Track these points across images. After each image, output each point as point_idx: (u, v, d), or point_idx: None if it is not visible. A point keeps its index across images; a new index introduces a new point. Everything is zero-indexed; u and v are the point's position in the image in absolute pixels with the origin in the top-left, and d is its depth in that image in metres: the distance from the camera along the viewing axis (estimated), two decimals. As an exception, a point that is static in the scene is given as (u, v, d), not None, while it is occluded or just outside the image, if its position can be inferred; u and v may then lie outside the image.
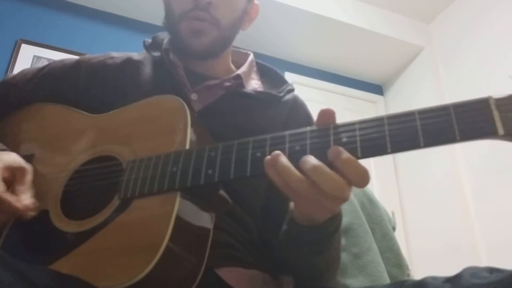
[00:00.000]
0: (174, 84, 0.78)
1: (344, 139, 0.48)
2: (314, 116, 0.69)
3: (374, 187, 2.78)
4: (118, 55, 0.86)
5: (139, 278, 0.47)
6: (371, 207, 1.05)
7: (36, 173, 0.66)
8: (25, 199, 0.61)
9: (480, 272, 0.50)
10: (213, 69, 0.84)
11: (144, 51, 0.88)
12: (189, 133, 0.58)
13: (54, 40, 2.39)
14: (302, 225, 0.55)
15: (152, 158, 0.57)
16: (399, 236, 2.05)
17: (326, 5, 2.77)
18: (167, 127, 0.62)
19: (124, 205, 0.56)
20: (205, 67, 0.83)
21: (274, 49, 2.93)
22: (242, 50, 0.92)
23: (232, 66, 0.89)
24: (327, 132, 0.49)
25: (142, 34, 1.16)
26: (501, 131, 0.42)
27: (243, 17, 0.85)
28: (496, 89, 0.45)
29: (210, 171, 0.52)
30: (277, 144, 0.51)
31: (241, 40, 0.88)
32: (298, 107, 0.85)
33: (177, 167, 0.55)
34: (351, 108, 3.01)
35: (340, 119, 0.51)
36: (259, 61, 0.92)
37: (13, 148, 0.69)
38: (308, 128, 0.51)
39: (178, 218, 0.51)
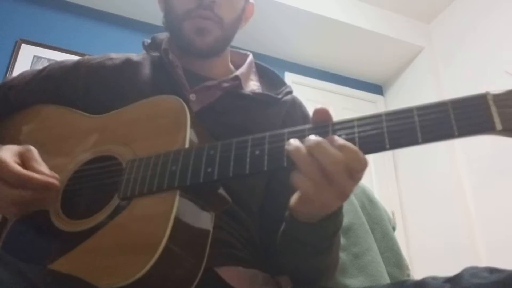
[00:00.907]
0: (173, 84, 0.78)
1: (343, 136, 0.48)
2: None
3: (374, 187, 2.78)
4: (117, 56, 0.86)
5: (138, 277, 0.47)
6: (371, 207, 1.05)
7: None
8: (44, 170, 0.61)
9: (480, 272, 0.50)
10: (212, 69, 0.84)
11: (143, 52, 0.88)
12: (189, 133, 0.59)
13: (54, 40, 2.39)
14: (301, 223, 0.55)
15: (152, 157, 0.58)
16: (399, 236, 2.05)
17: (326, 5, 2.77)
18: (167, 127, 0.62)
19: (123, 204, 0.56)
20: (204, 67, 0.83)
21: (274, 49, 2.93)
22: (241, 51, 0.93)
23: (231, 67, 0.89)
24: (325, 130, 0.50)
25: (142, 34, 1.16)
26: (499, 126, 0.43)
27: (241, 16, 0.85)
28: (496, 89, 0.45)
29: (209, 169, 0.53)
30: (276, 141, 0.51)
31: (241, 40, 0.88)
32: (296, 107, 0.85)
33: (176, 165, 0.55)
34: (351, 108, 3.01)
35: (340, 119, 0.51)
36: (258, 62, 0.92)
37: None
38: (307, 126, 0.51)
39: (177, 217, 0.51)
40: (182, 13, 0.78)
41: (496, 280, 0.47)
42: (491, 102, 0.44)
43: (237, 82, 0.81)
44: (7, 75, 2.21)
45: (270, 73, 0.91)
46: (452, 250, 2.40)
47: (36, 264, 0.54)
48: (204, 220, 0.57)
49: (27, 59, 2.30)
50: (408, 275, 1.00)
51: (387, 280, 0.92)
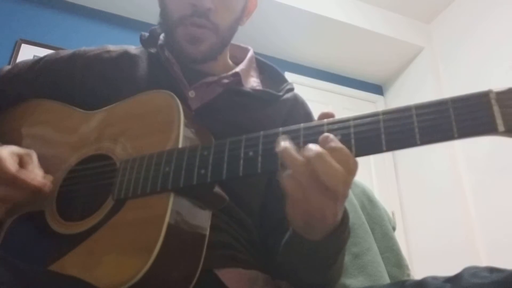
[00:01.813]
0: (171, 80, 0.76)
1: (338, 137, 0.46)
2: (315, 115, 0.69)
3: (374, 187, 2.78)
4: (115, 48, 0.84)
5: (135, 281, 0.47)
6: (371, 207, 1.05)
7: None
8: (39, 174, 0.62)
9: (480, 272, 0.50)
10: (211, 66, 0.81)
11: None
12: (182, 131, 0.57)
13: (54, 40, 2.39)
14: (305, 240, 0.52)
15: (145, 158, 0.57)
16: (399, 236, 2.05)
17: (326, 5, 2.77)
18: (160, 124, 0.61)
19: (118, 206, 0.56)
20: (203, 64, 0.80)
21: (274, 49, 2.93)
22: (241, 45, 0.90)
23: (231, 62, 0.87)
24: (320, 129, 0.48)
25: (142, 34, 1.16)
26: (501, 127, 0.40)
27: (242, 16, 0.83)
28: (497, 87, 0.44)
29: (202, 171, 0.52)
30: (271, 141, 0.49)
31: (241, 40, 0.87)
32: (298, 105, 0.83)
33: (169, 167, 0.54)
34: (351, 108, 3.00)
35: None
36: (259, 57, 0.90)
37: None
38: (302, 125, 0.50)
39: (171, 218, 0.50)
40: (176, 19, 0.75)
41: (496, 279, 0.47)
42: (493, 101, 0.42)
43: (237, 78, 0.79)
44: (7, 75, 2.20)
45: (271, 69, 0.89)
46: (452, 250, 2.40)
47: (34, 265, 0.53)
48: (200, 219, 0.56)
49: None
50: (408, 275, 1.00)
51: (387, 280, 0.92)
